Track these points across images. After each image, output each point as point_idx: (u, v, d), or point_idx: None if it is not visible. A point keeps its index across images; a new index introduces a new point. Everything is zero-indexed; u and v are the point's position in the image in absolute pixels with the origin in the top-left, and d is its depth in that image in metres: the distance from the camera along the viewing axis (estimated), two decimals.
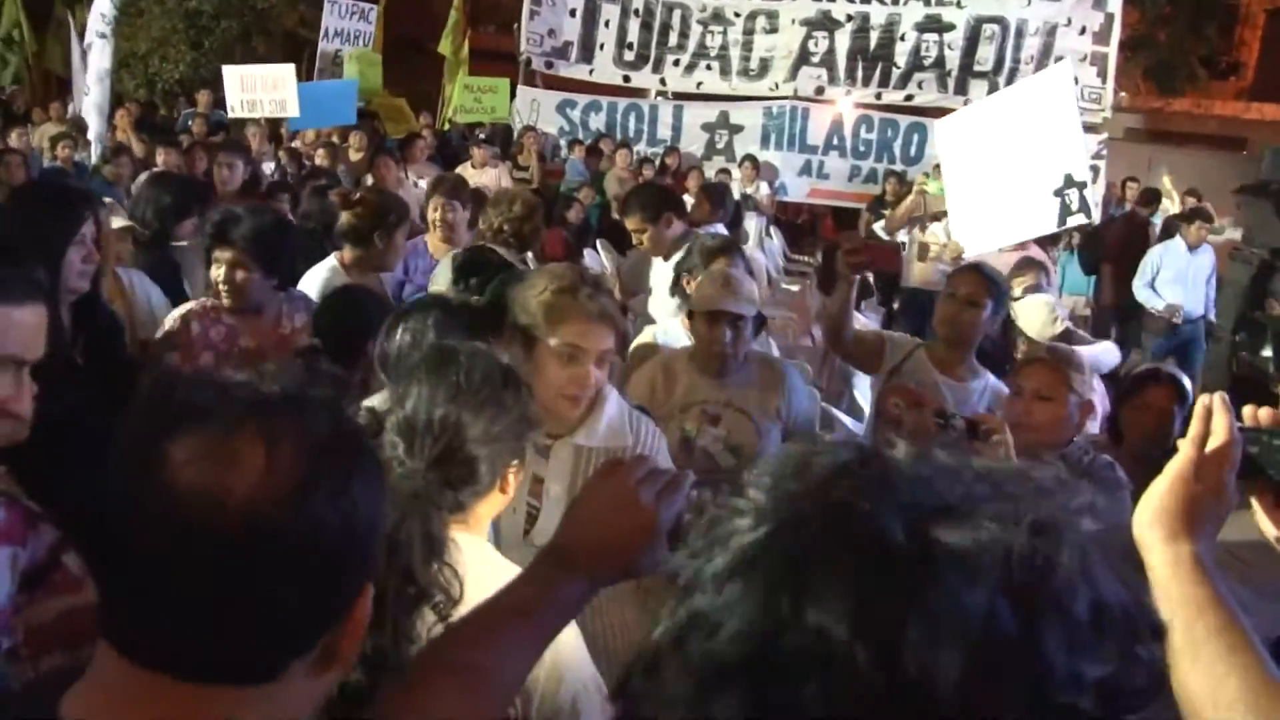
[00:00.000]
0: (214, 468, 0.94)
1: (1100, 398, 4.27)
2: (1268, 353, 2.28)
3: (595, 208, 12.79)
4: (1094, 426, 4.03)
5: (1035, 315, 4.90)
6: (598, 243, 10.97)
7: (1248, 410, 1.51)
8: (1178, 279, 9.76)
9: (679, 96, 15.62)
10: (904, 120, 14.50)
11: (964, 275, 4.14)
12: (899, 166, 13.83)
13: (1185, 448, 1.45)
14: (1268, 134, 17.34)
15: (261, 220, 3.87)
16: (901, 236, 9.11)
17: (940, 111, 14.47)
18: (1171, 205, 12.79)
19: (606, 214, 12.72)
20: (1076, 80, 13.18)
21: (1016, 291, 5.09)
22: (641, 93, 15.86)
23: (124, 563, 0.98)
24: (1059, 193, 6.43)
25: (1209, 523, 1.42)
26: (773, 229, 12.02)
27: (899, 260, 3.86)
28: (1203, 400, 1.47)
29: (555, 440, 2.80)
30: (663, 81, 15.50)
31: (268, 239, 3.84)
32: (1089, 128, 12.65)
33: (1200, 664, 1.30)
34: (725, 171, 13.33)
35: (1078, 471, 3.40)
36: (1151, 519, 1.42)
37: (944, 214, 8.44)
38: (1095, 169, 12.09)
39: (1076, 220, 6.66)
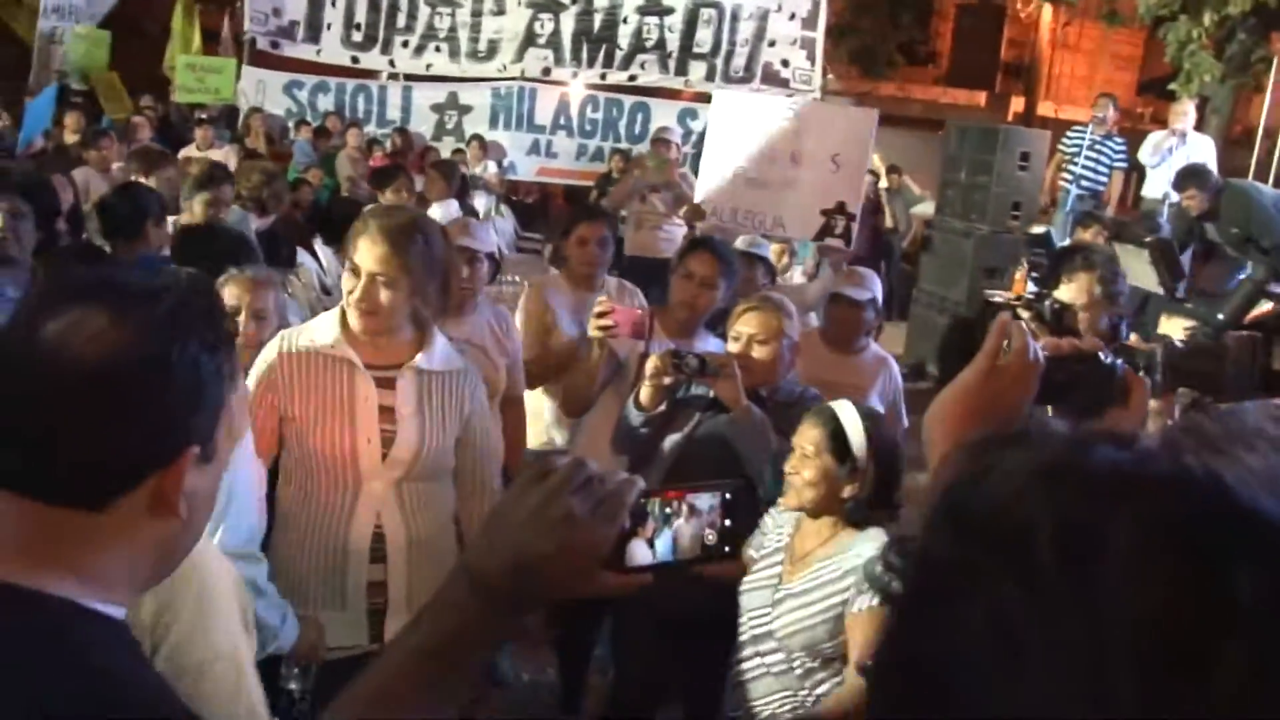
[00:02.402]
0: (63, 328, 1.17)
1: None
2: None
3: (325, 189, 12.70)
4: None
5: None
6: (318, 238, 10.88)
7: (1049, 340, 1.62)
8: None
9: (408, 78, 15.59)
10: (628, 100, 14.91)
11: (699, 256, 4.26)
12: (624, 145, 14.24)
13: (979, 358, 1.52)
14: (960, 116, 18.73)
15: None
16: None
17: (663, 91, 15.07)
18: (880, 180, 13.69)
19: (337, 195, 12.64)
20: (788, 63, 13.99)
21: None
22: (370, 74, 15.70)
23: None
24: (827, 213, 6.98)
25: (986, 431, 1.46)
26: (503, 207, 12.20)
27: (645, 325, 4.11)
28: (1002, 317, 1.56)
29: (398, 369, 3.08)
30: (392, 63, 15.37)
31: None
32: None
33: None
34: (460, 151, 13.45)
35: (787, 405, 3.78)
36: (934, 419, 1.51)
37: (663, 186, 8.93)
38: None
39: (835, 243, 7.16)
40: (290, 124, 14.68)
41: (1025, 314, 3.89)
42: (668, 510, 1.21)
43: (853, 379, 4.64)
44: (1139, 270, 5.04)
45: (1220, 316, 2.61)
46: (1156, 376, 2.41)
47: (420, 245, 3.06)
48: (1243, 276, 2.75)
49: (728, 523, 1.24)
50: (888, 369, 4.78)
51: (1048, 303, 4.00)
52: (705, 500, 1.23)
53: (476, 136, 14.00)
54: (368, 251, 3.01)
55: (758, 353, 3.68)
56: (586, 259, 4.76)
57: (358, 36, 15.20)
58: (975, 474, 0.80)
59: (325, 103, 15.15)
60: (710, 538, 1.23)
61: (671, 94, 15.24)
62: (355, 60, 15.34)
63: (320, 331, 3.11)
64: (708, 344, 4.19)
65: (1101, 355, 1.59)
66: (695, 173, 12.40)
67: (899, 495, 3.11)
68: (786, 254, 7.92)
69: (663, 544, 1.21)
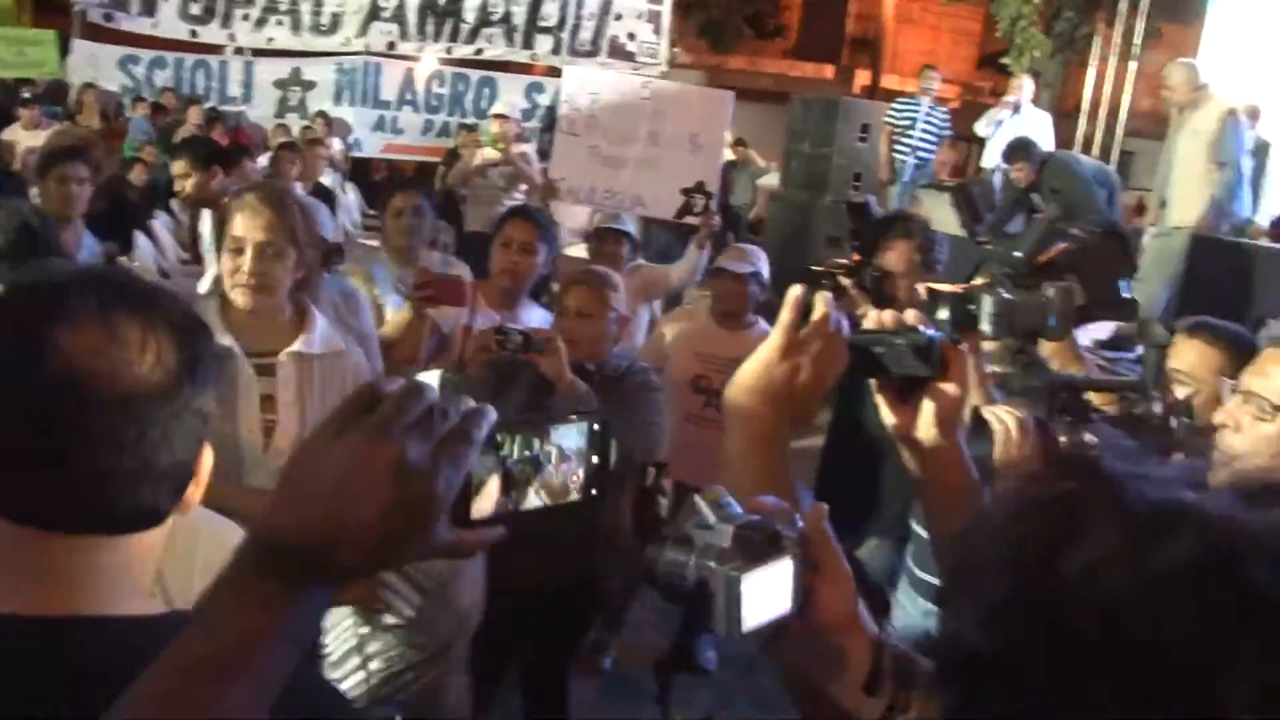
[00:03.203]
0: (106, 349, 1.08)
1: None
2: (944, 314, 2.63)
3: (163, 167, 12.33)
4: None
5: None
6: (171, 204, 10.59)
7: (872, 313, 1.60)
8: None
9: (251, 53, 15.20)
10: (474, 75, 14.84)
11: (516, 223, 4.36)
12: (471, 120, 14.06)
13: (775, 331, 1.49)
14: (808, 89, 19.03)
15: None
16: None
17: (510, 66, 14.97)
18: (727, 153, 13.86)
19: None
20: (634, 36, 14.04)
21: None
22: (211, 49, 15.26)
23: (24, 439, 1.09)
24: (686, 192, 7.09)
25: (789, 406, 1.47)
26: (348, 185, 12.02)
27: (465, 294, 4.09)
28: (793, 290, 1.51)
29: (277, 356, 2.96)
30: (231, 37, 14.93)
31: None
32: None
33: None
34: (310, 127, 13.17)
35: (615, 379, 3.83)
36: (732, 397, 1.50)
37: (500, 162, 8.92)
38: None
39: (694, 221, 7.30)
40: (126, 100, 14.20)
41: (847, 282, 4.02)
42: (527, 450, 0.98)
43: (737, 354, 4.71)
44: (942, 215, 5.24)
45: (1017, 254, 2.76)
46: (985, 326, 2.54)
47: (298, 213, 3.01)
48: (1037, 217, 2.91)
49: (595, 460, 1.03)
50: None
51: (868, 270, 4.15)
52: (570, 433, 1.01)
53: (321, 113, 13.77)
54: (252, 221, 2.91)
55: (582, 328, 3.70)
56: (401, 230, 4.78)
57: (196, 9, 14.75)
58: (1056, 539, 0.67)
59: (163, 78, 14.72)
60: (576, 478, 1.02)
61: (519, 68, 15.15)
62: (194, 34, 14.86)
63: None
64: (531, 314, 4.24)
65: (921, 328, 1.57)
66: (544, 146, 12.42)
67: None
68: None
69: (519, 487, 0.98)
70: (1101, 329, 6.58)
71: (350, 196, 11.43)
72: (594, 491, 1.04)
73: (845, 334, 1.50)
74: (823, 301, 1.50)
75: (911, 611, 3.22)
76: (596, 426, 1.03)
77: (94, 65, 14.48)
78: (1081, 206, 8.86)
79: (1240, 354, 3.53)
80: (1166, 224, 8.19)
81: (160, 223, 9.76)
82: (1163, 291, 8.25)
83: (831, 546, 1.17)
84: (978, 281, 2.94)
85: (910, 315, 1.58)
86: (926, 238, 4.22)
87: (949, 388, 1.54)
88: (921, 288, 2.97)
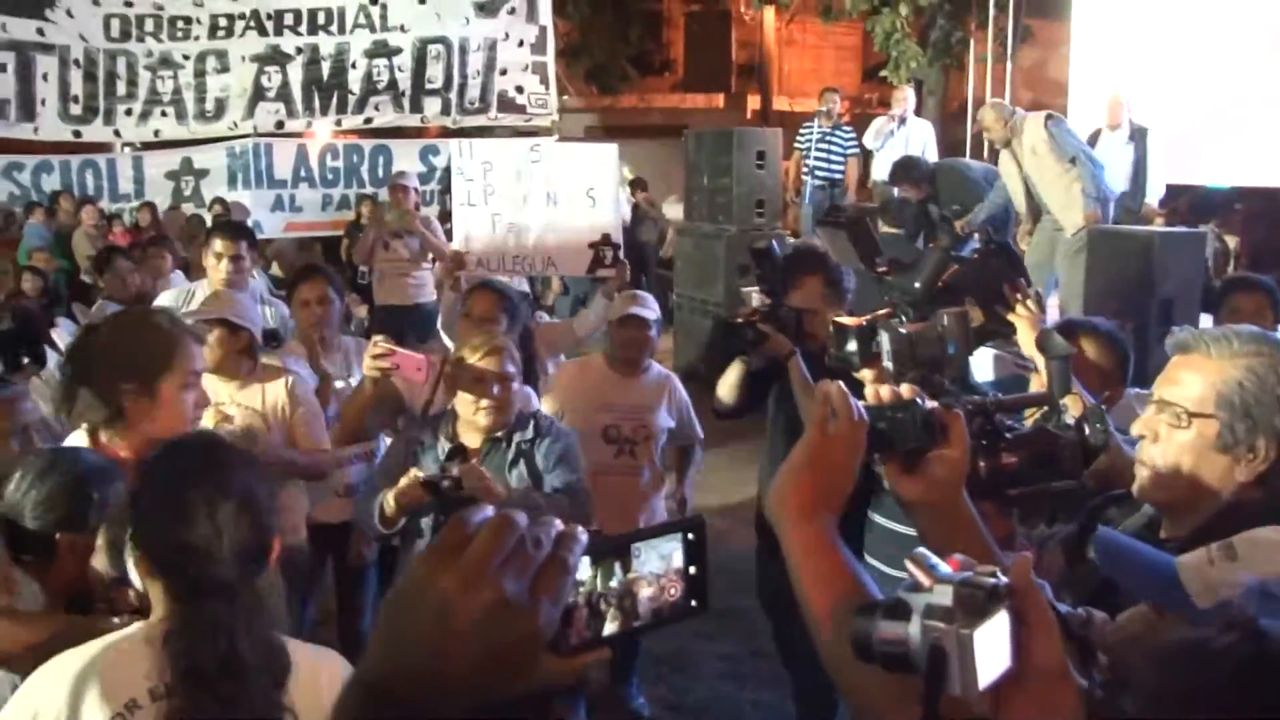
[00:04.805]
0: None
1: None
2: (852, 347, 2.62)
3: (61, 274, 12.14)
4: None
5: None
6: (74, 307, 10.43)
7: (870, 390, 1.64)
8: None
9: (141, 146, 15.03)
10: (368, 144, 14.82)
11: (479, 295, 4.55)
12: (369, 190, 14.08)
13: (810, 431, 1.53)
14: (701, 119, 19.27)
15: None
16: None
17: (404, 131, 14.96)
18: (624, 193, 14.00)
19: (76, 277, 12.11)
20: (522, 89, 14.11)
21: None
22: (99, 147, 15.07)
23: None
24: (594, 245, 7.22)
25: (834, 499, 1.51)
26: (255, 269, 11.90)
27: (427, 372, 4.10)
28: (822, 386, 1.57)
29: None
30: (117, 133, 14.75)
31: None
32: (544, 130, 13.58)
33: (840, 630, 1.29)
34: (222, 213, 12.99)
35: (529, 443, 3.83)
36: (782, 501, 1.51)
37: (405, 232, 8.90)
38: None
39: (607, 274, 7.41)
40: (18, 209, 13.97)
41: (767, 326, 4.07)
42: (611, 581, 0.97)
43: (641, 400, 4.77)
44: (843, 251, 5.40)
45: (917, 285, 2.84)
46: (886, 363, 2.55)
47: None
48: (930, 246, 2.99)
49: (692, 570, 1.02)
50: (671, 384, 4.96)
51: (782, 312, 4.20)
52: (664, 547, 1.01)
53: (218, 199, 13.64)
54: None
55: (500, 392, 3.74)
56: (311, 320, 4.77)
57: (76, 109, 14.52)
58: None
59: (51, 182, 14.48)
60: (674, 591, 1.01)
61: (413, 133, 15.14)
62: (77, 134, 14.64)
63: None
64: None
65: (918, 400, 1.61)
66: (445, 206, 12.40)
67: None
68: None
69: (613, 612, 0.98)
70: None
71: (257, 281, 11.30)
72: (694, 603, 1.03)
73: (865, 421, 1.54)
74: (841, 394, 1.54)
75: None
76: (691, 536, 1.03)
77: None
78: (978, 209, 9.10)
79: (1114, 351, 3.66)
80: (1049, 232, 8.50)
81: (64, 329, 9.61)
82: (1045, 289, 8.52)
83: (1038, 596, 1.16)
84: (880, 313, 3.01)
85: (906, 390, 1.63)
86: (832, 270, 4.29)
87: (951, 452, 1.59)
88: (829, 322, 3.04)
